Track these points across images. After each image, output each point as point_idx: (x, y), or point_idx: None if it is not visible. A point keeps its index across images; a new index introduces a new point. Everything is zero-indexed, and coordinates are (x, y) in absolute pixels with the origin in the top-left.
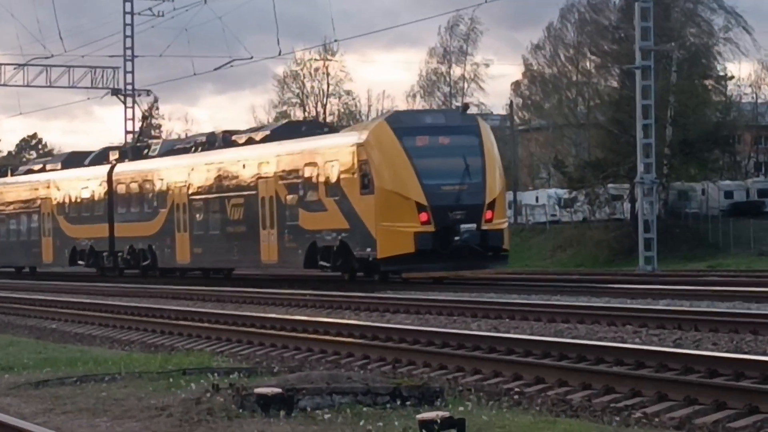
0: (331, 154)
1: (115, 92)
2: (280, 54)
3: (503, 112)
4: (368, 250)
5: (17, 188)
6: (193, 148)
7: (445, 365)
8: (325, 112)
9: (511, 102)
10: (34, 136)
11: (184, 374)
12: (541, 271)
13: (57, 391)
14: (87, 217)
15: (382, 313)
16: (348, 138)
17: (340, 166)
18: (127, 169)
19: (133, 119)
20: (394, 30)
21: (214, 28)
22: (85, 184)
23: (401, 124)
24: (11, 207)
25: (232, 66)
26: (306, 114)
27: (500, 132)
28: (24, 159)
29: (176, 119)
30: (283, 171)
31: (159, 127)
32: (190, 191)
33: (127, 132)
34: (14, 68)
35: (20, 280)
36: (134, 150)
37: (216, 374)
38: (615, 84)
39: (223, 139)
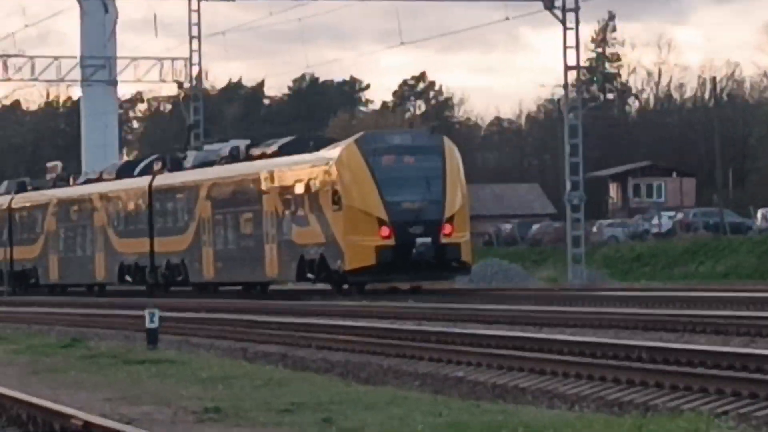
0: (314, 172)
1: (549, 6)
2: None
3: None
4: (338, 262)
5: (74, 199)
6: (218, 161)
7: None
8: None
9: None
10: (422, 76)
11: None
12: None
13: None
14: (132, 230)
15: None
16: (324, 156)
17: (319, 184)
18: (163, 181)
19: (576, 47)
20: None
21: None
22: (130, 196)
23: (369, 144)
24: (69, 220)
25: None
26: None
27: None
28: (407, 108)
29: (645, 45)
30: (280, 187)
31: (617, 58)
32: (213, 205)
33: (567, 68)
34: None
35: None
36: (173, 161)
37: None
38: None
39: (246, 152)
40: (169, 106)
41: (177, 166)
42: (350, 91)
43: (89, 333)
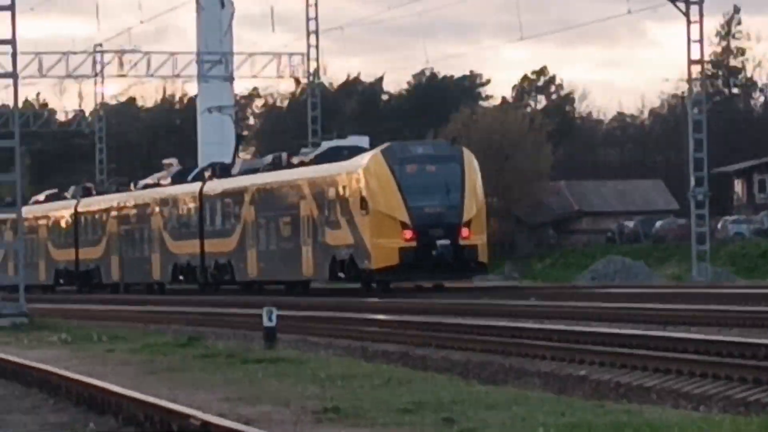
0: (344, 179)
1: None
2: None
3: None
4: (366, 262)
5: (134, 203)
6: (261, 168)
7: None
8: None
9: None
10: (543, 71)
11: None
12: None
13: None
14: (184, 233)
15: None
16: (353, 165)
17: (348, 190)
18: (213, 187)
19: (700, 41)
20: None
21: None
22: (183, 201)
23: (394, 154)
24: (129, 223)
25: None
26: None
27: None
28: None
29: None
30: (315, 193)
31: (742, 52)
32: (256, 209)
33: (691, 62)
34: None
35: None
36: (222, 168)
37: None
38: None
39: (287, 161)
40: (286, 102)
41: (225, 173)
42: (470, 86)
43: (206, 332)
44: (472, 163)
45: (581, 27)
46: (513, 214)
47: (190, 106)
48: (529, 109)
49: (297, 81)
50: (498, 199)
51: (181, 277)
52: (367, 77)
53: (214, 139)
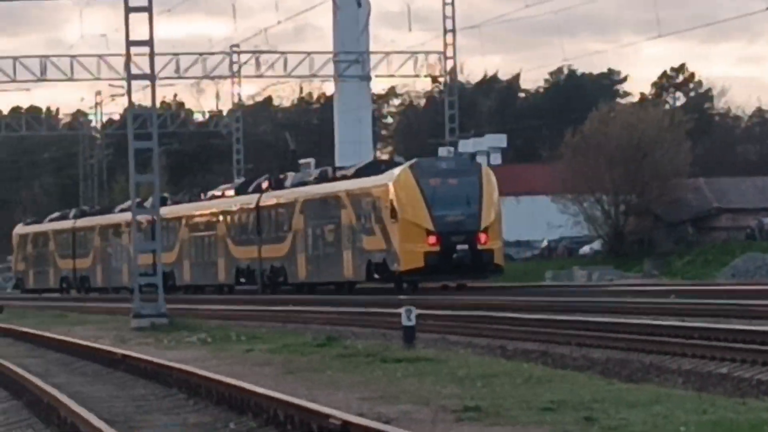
0: (377, 191)
1: None
2: None
3: None
4: (395, 265)
5: (203, 212)
6: (310, 181)
7: None
8: None
9: None
10: (682, 68)
11: None
12: None
13: None
14: (244, 239)
15: None
16: (385, 178)
17: (381, 201)
18: (268, 198)
19: None
20: None
21: None
22: (243, 210)
23: (421, 169)
24: (199, 230)
25: None
26: None
27: None
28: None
29: None
30: (354, 203)
31: None
32: (305, 218)
33: None
34: None
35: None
36: (277, 180)
37: None
38: None
39: (332, 174)
40: (423, 101)
41: (280, 185)
42: (608, 83)
43: (345, 331)
44: (489, 177)
45: (721, 23)
46: (651, 211)
47: (326, 105)
48: (667, 106)
49: (434, 79)
50: (636, 197)
51: (242, 279)
52: (504, 75)
53: (352, 138)
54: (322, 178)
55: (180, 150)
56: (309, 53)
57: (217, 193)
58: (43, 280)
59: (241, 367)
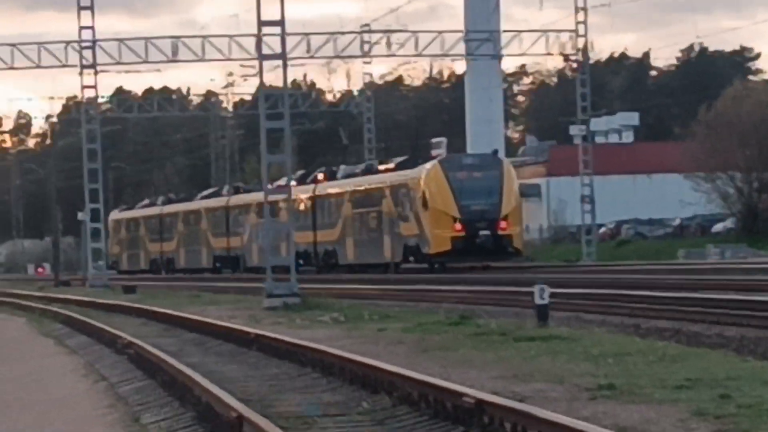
0: (412, 183)
1: None
2: None
3: None
4: (426, 248)
5: (272, 201)
6: (358, 173)
7: None
8: None
9: None
10: None
11: None
12: None
13: None
14: (303, 225)
15: None
16: (418, 171)
17: (415, 192)
18: (322, 188)
19: None
20: None
21: None
22: (301, 199)
23: (449, 163)
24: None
25: None
26: None
27: None
28: None
29: None
30: (392, 194)
31: None
32: (353, 207)
33: None
34: None
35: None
36: (330, 172)
37: None
38: None
39: (377, 167)
40: (554, 80)
41: (332, 176)
42: (740, 60)
43: (477, 310)
44: (510, 171)
45: None
46: None
47: (457, 84)
48: None
49: (565, 58)
50: None
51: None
52: (635, 53)
53: (483, 117)
54: (367, 171)
55: (311, 130)
56: (440, 32)
57: (282, 183)
58: (135, 262)
59: (374, 346)
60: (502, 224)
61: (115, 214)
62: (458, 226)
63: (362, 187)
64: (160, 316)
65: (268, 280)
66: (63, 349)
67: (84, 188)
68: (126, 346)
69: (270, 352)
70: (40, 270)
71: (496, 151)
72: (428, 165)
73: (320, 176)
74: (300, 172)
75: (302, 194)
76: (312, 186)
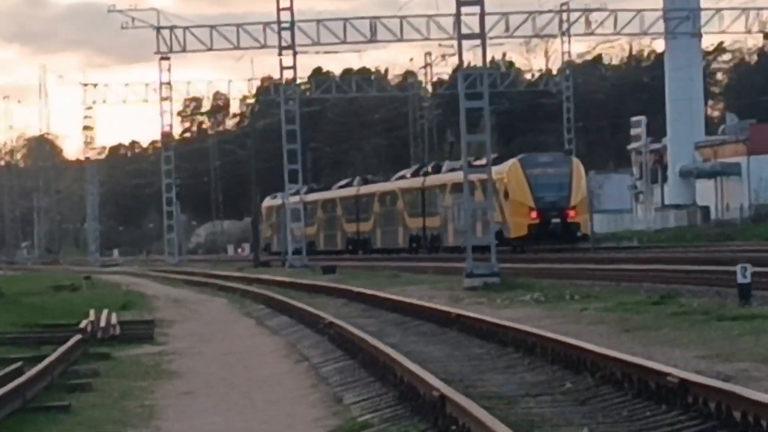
0: (497, 177)
1: None
2: None
3: None
4: (507, 234)
5: (386, 191)
6: (459, 169)
7: None
8: None
9: None
10: None
11: None
12: None
13: None
14: (415, 212)
15: None
16: (502, 168)
17: (500, 185)
18: (430, 180)
19: None
20: None
21: None
22: (413, 190)
23: (526, 161)
24: (385, 205)
25: None
26: None
27: None
28: None
29: None
30: (482, 187)
31: None
32: (453, 197)
33: None
34: None
35: None
36: (435, 166)
37: None
38: None
39: (433, 169)
40: (755, 57)
41: (438, 170)
42: None
43: (679, 289)
44: (579, 168)
45: None
46: None
47: (657, 63)
48: None
49: (765, 35)
50: None
51: (413, 245)
52: None
53: (683, 96)
54: (436, 170)
55: (510, 110)
56: (639, 11)
57: (400, 175)
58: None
59: (575, 326)
60: (571, 213)
61: (268, 201)
62: (534, 214)
63: (460, 180)
64: (359, 296)
65: (468, 259)
66: (264, 330)
67: (283, 169)
68: (326, 327)
69: (470, 332)
70: (240, 251)
71: (567, 151)
72: (509, 162)
73: (429, 169)
74: (432, 164)
75: (414, 185)
76: (422, 179)
